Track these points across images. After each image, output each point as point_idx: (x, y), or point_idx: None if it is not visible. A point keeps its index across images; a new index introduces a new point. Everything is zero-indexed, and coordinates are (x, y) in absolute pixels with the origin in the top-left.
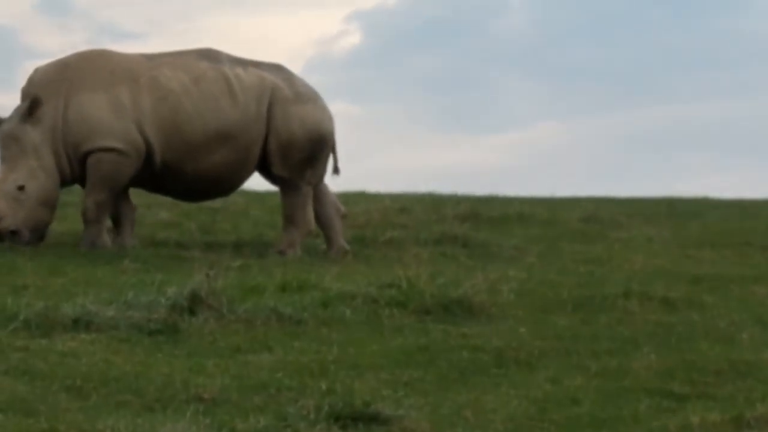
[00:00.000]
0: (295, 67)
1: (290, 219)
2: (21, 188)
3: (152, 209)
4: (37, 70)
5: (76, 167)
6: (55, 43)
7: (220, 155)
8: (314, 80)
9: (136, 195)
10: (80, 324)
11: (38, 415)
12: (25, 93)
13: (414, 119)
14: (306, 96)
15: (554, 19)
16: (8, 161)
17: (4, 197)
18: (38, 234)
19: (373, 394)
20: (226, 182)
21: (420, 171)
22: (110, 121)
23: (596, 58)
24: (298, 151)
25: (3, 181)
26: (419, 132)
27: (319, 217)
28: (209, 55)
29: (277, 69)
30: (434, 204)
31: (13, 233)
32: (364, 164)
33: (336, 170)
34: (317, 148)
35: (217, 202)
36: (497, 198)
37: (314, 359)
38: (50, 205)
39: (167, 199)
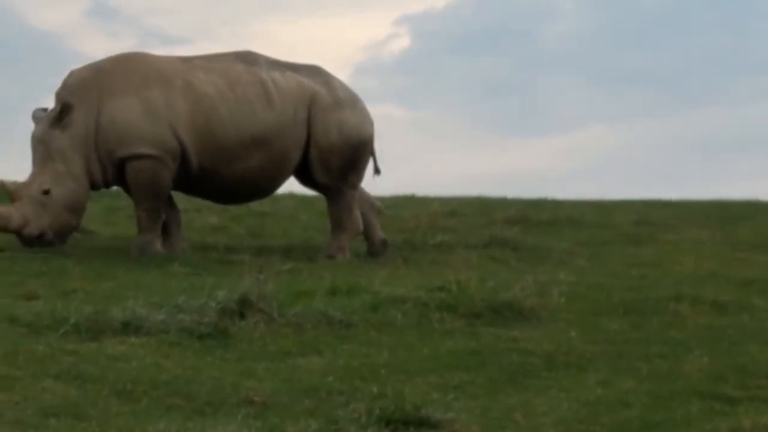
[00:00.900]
0: (344, 72)
1: (338, 223)
2: (46, 192)
3: (201, 213)
4: (71, 74)
5: (110, 172)
6: (103, 49)
7: (255, 160)
8: (363, 84)
9: (185, 199)
10: (130, 328)
11: (89, 419)
12: (59, 97)
13: (463, 123)
14: (345, 101)
15: (603, 24)
16: (37, 165)
17: (30, 201)
18: (64, 237)
19: (423, 397)
20: (263, 186)
21: (469, 175)
22: (144, 127)
23: (645, 62)
24: (339, 159)
25: (30, 185)
26: (468, 136)
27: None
28: (246, 58)
29: (315, 72)
30: (483, 207)
31: (39, 237)
32: (414, 168)
33: (376, 170)
34: (357, 153)
35: (266, 206)
36: (547, 201)
37: (364, 363)
38: (76, 210)
39: (216, 204)
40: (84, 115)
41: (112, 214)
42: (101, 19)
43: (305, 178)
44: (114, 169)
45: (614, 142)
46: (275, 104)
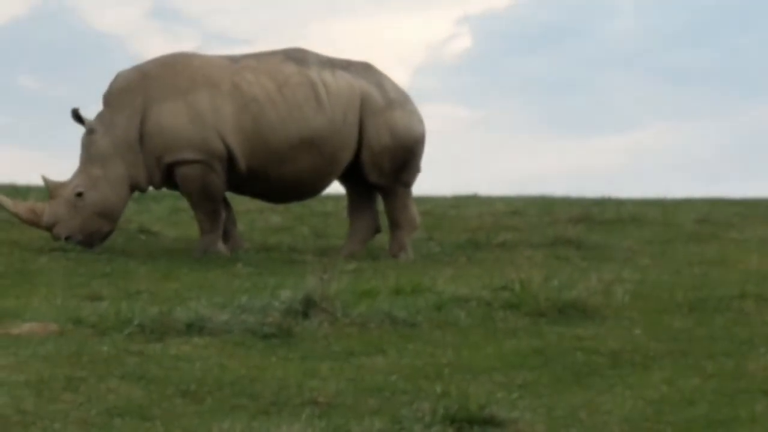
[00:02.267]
0: (405, 72)
1: (395, 222)
2: (80, 195)
3: (264, 214)
4: (117, 77)
5: (158, 177)
6: (163, 51)
7: (304, 162)
8: (424, 84)
9: (247, 201)
10: (194, 328)
11: (154, 419)
12: (105, 99)
13: (524, 122)
14: (396, 101)
15: (664, 21)
16: (79, 166)
17: (64, 202)
18: (94, 241)
19: (488, 396)
20: (312, 186)
21: (531, 174)
22: (190, 132)
23: (707, 59)
24: (391, 160)
25: (66, 186)
26: (530, 135)
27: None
28: (296, 57)
29: (366, 70)
30: (546, 207)
31: (67, 238)
32: (476, 168)
33: (418, 169)
34: (409, 153)
35: (329, 206)
36: (610, 200)
37: (428, 362)
38: (108, 216)
39: (278, 204)
40: (127, 119)
41: (176, 215)
42: (162, 20)
43: (354, 178)
44: (162, 174)
45: (676, 141)
46: (325, 106)
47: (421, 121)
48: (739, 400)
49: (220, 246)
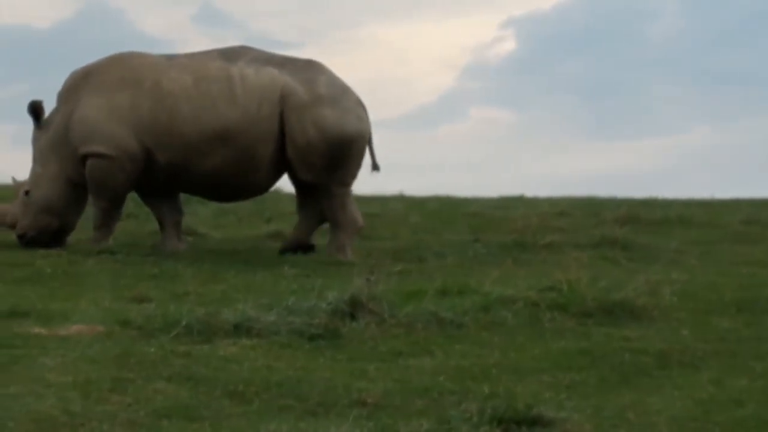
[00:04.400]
0: (451, 75)
1: (333, 222)
2: (27, 193)
3: None
4: (68, 76)
5: (82, 169)
6: None
7: (222, 155)
8: (469, 87)
9: (293, 202)
10: (241, 329)
11: (202, 420)
12: (57, 98)
13: (570, 124)
14: (327, 98)
15: (709, 24)
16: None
17: (19, 202)
18: (46, 238)
19: (535, 397)
20: (238, 182)
21: (577, 175)
22: (104, 127)
23: (751, 61)
24: (319, 156)
25: (21, 186)
26: (575, 137)
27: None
28: (230, 54)
29: (306, 67)
30: (593, 208)
31: (20, 237)
32: (521, 169)
33: (375, 167)
34: (342, 151)
35: (375, 208)
36: (656, 201)
37: (475, 363)
38: (54, 211)
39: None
40: (62, 116)
41: (222, 218)
42: (208, 23)
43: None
44: (84, 167)
45: (721, 142)
46: (238, 99)
47: (360, 120)
48: None
49: (174, 242)
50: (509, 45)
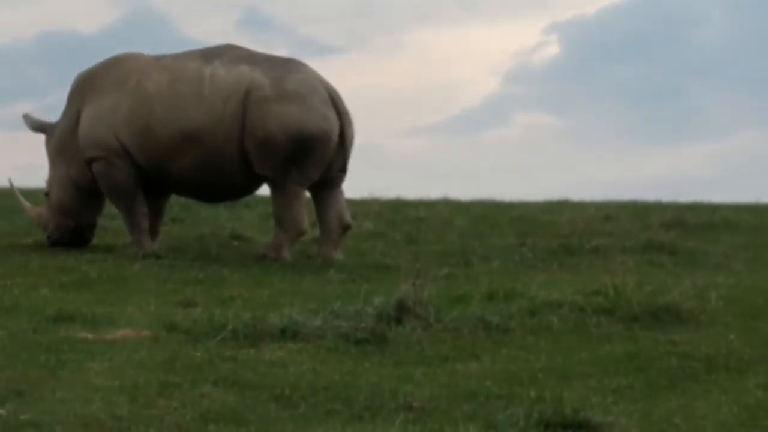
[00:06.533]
0: (494, 79)
1: (277, 220)
2: (46, 196)
3: (357, 219)
4: (75, 77)
5: (89, 173)
6: None
7: (193, 155)
8: (514, 92)
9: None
10: (287, 334)
11: (248, 425)
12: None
13: (615, 129)
14: (295, 95)
15: (755, 28)
16: None
17: (45, 206)
18: (65, 238)
19: (582, 401)
20: (216, 182)
21: (622, 179)
22: (92, 130)
23: None
24: (278, 151)
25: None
26: (620, 141)
27: (320, 222)
28: (210, 54)
29: (283, 64)
30: (639, 212)
31: (48, 238)
32: (567, 174)
33: (342, 169)
34: (301, 148)
35: (421, 212)
36: (702, 205)
37: (522, 367)
38: (67, 213)
39: (372, 210)
40: (68, 120)
41: (267, 221)
42: (254, 28)
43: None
44: (90, 171)
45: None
46: (205, 98)
47: (325, 119)
48: None
49: (148, 243)
50: (553, 50)
